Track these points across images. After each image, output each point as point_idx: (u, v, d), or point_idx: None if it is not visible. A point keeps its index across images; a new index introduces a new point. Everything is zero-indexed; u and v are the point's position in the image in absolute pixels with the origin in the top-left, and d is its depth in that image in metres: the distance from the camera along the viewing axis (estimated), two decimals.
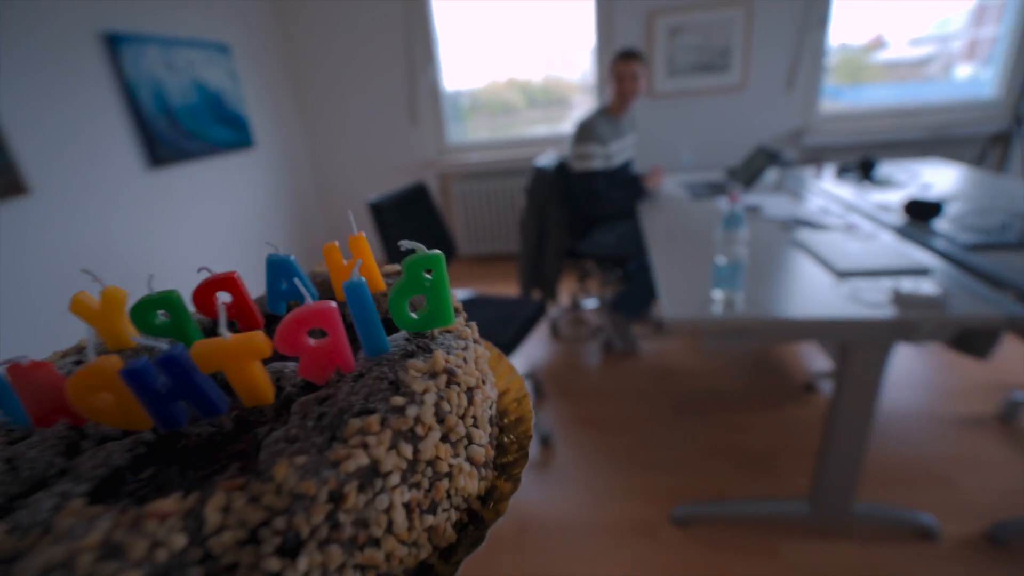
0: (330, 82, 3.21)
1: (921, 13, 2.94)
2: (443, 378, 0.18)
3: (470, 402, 0.19)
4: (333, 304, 0.18)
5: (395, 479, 0.16)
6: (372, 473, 0.15)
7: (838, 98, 3.08)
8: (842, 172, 2.24)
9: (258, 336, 0.17)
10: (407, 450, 0.16)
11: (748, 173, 2.18)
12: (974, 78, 3.00)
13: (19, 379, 0.16)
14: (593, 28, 2.99)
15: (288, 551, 0.14)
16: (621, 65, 2.02)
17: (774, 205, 1.87)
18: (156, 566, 0.12)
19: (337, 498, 0.15)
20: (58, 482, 0.16)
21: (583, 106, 3.24)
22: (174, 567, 0.13)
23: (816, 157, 3.01)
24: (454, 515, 0.18)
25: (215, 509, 0.13)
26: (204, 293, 0.23)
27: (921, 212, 1.55)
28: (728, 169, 2.49)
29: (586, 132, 2.04)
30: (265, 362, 0.19)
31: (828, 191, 2.01)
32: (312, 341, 0.18)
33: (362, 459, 0.15)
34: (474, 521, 0.19)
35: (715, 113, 3.04)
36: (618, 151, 2.14)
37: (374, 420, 0.16)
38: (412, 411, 0.17)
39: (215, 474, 0.16)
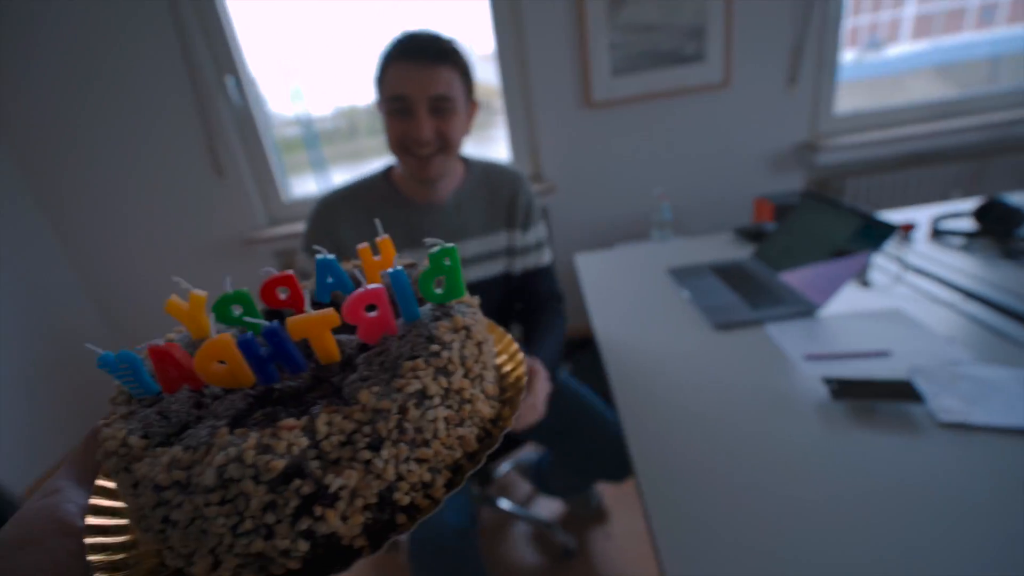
0: (75, 141, 1.91)
1: None
2: (463, 332, 0.25)
3: (480, 351, 0.26)
4: (382, 286, 0.24)
5: (437, 400, 0.22)
6: (422, 396, 0.22)
7: (855, 75, 2.13)
8: (941, 234, 1.26)
9: (331, 311, 0.23)
10: (444, 381, 0.23)
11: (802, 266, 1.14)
12: None
13: (156, 356, 0.23)
14: (489, 17, 1.87)
15: (373, 447, 0.20)
16: (400, 71, 0.86)
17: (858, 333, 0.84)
18: (292, 457, 0.19)
19: (403, 412, 0.21)
20: (200, 423, 0.22)
21: (490, 137, 2.13)
22: (301, 459, 0.19)
23: (830, 182, 2.06)
24: (475, 430, 0.24)
25: (323, 423, 0.20)
26: (269, 288, 0.30)
27: None
28: (740, 230, 1.45)
29: (309, 219, 1.03)
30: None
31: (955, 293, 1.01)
32: (367, 314, 0.24)
33: (416, 386, 0.21)
34: (488, 435, 0.25)
35: (683, 132, 2.01)
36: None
37: (420, 361, 0.22)
38: (445, 354, 0.23)
39: (308, 410, 0.22)
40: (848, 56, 2.03)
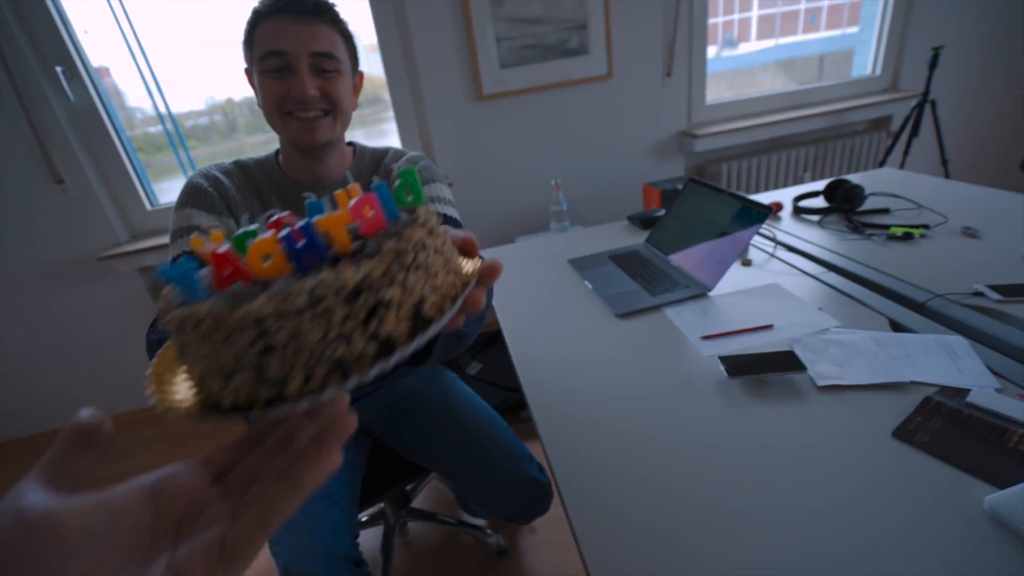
0: None
1: None
2: (434, 216, 0.32)
3: (445, 232, 0.33)
4: (376, 195, 0.30)
5: (432, 250, 0.29)
6: (422, 245, 0.28)
7: (716, 69, 2.32)
8: (800, 211, 1.41)
9: (343, 212, 0.29)
10: (431, 240, 0.29)
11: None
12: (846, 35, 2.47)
13: (216, 259, 0.27)
14: (368, 8, 1.77)
15: (406, 268, 0.27)
16: (277, 26, 0.77)
17: (748, 307, 0.93)
18: (356, 280, 0.24)
19: (418, 248, 0.28)
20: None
21: (381, 132, 2.03)
22: (362, 283, 0.25)
23: (705, 168, 2.24)
24: (458, 281, 0.31)
25: (366, 265, 0.25)
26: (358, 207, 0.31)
27: None
28: (632, 217, 1.52)
29: (184, 189, 0.87)
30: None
31: (826, 256, 1.14)
32: (367, 214, 0.30)
33: (417, 236, 0.28)
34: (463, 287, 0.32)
35: (573, 122, 2.07)
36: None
37: (414, 228, 0.29)
38: (427, 224, 0.30)
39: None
40: (711, 52, 2.20)
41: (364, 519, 1.42)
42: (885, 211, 1.33)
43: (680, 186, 1.79)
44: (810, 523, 0.56)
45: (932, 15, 2.25)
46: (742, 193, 1.16)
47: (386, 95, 1.92)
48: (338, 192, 0.34)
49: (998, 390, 0.70)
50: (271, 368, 0.24)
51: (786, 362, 0.79)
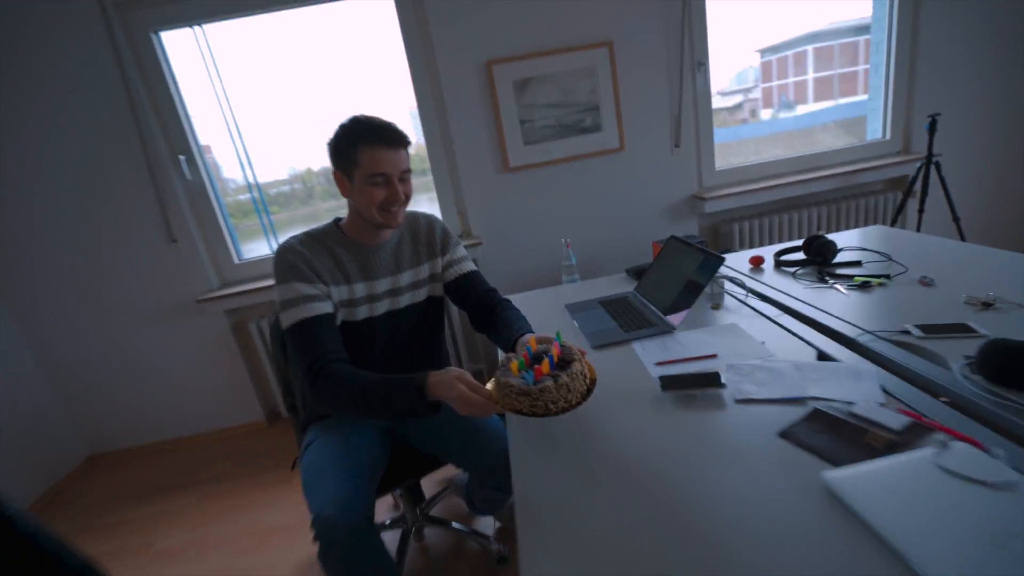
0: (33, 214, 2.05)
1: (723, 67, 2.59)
2: (578, 353, 0.96)
3: (581, 363, 0.93)
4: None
5: (577, 372, 0.90)
6: (577, 372, 0.90)
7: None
8: (781, 264, 1.57)
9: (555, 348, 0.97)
10: (577, 369, 0.90)
11: (666, 294, 1.41)
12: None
13: (537, 371, 0.92)
14: (410, 88, 2.18)
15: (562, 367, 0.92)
16: (380, 155, 1.10)
17: (730, 350, 1.10)
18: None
19: (575, 373, 0.89)
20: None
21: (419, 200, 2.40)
22: (576, 376, 0.91)
23: (719, 228, 2.42)
24: (584, 388, 0.91)
25: (565, 375, 0.89)
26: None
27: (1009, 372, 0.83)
28: (628, 269, 1.73)
29: (280, 264, 1.16)
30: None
31: (797, 306, 1.29)
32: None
33: (575, 368, 0.90)
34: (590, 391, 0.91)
35: (589, 188, 2.34)
36: (365, 295, 1.21)
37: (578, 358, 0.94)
38: (577, 366, 0.91)
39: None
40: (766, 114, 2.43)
41: (388, 522, 1.63)
42: (857, 263, 1.47)
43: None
44: (708, 501, 0.73)
45: (934, 82, 2.38)
46: (705, 247, 1.35)
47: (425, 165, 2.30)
48: (529, 337, 1.04)
49: (881, 404, 0.84)
50: (542, 403, 0.86)
51: (709, 380, 0.96)
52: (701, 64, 2.28)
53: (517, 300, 1.69)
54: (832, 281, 1.38)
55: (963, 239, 2.27)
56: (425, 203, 2.40)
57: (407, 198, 1.17)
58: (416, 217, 1.32)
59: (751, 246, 2.43)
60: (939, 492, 0.64)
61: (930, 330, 1.04)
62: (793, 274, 1.49)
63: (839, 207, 2.45)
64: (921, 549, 0.56)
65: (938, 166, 2.18)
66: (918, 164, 2.24)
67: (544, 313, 1.52)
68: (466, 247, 2.20)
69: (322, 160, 2.37)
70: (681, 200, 2.41)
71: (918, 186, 2.25)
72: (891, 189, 2.52)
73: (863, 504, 0.64)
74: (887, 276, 1.34)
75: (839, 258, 1.50)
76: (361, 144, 1.10)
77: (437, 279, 1.31)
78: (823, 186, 2.41)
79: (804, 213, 2.43)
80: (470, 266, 1.34)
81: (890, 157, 2.49)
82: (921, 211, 2.27)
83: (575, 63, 2.17)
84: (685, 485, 0.75)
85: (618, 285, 1.66)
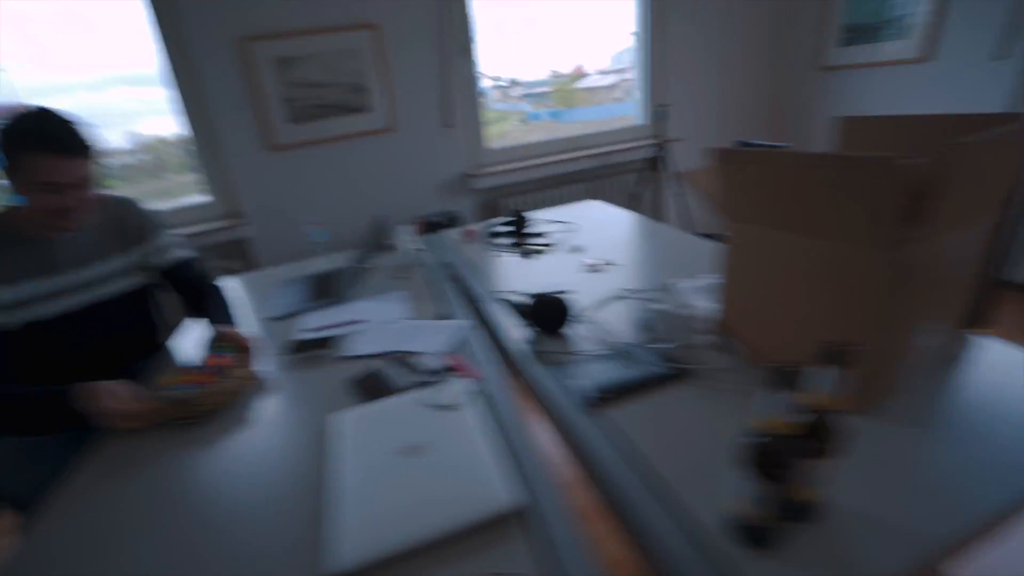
0: None
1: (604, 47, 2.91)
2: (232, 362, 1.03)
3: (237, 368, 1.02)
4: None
5: (226, 381, 0.98)
6: (227, 380, 0.98)
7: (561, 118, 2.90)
8: (491, 236, 1.79)
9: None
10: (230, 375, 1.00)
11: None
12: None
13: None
14: (162, 56, 2.10)
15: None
16: (49, 163, 1.01)
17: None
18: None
19: (222, 382, 0.97)
20: None
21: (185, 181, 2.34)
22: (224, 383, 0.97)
23: (493, 202, 2.64)
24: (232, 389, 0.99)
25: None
26: None
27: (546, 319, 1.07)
28: (362, 245, 1.86)
29: None
30: None
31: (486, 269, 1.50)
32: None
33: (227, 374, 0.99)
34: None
35: (363, 167, 2.43)
36: (48, 292, 1.12)
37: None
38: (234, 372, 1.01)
39: None
40: None
41: None
42: (539, 235, 1.72)
43: (442, 219, 2.18)
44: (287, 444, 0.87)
45: (678, 77, 2.76)
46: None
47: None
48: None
49: (434, 354, 1.05)
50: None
51: (322, 343, 1.12)
52: (467, 47, 2.43)
53: (255, 276, 1.75)
54: (514, 250, 1.61)
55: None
56: (190, 180, 2.35)
57: (84, 203, 1.09)
58: (111, 199, 1.26)
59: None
60: (408, 419, 0.84)
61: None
62: (500, 246, 1.70)
63: (602, 184, 2.77)
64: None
65: (665, 148, 2.55)
66: (653, 147, 2.60)
67: (263, 290, 1.61)
68: (234, 226, 2.22)
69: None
70: (454, 178, 2.58)
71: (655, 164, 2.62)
72: (646, 168, 2.89)
73: (335, 440, 0.82)
74: (547, 245, 1.60)
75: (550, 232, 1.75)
76: (26, 150, 1.00)
77: (142, 267, 1.27)
78: (583, 165, 2.71)
79: (570, 189, 2.72)
80: (179, 253, 1.32)
81: (638, 140, 2.86)
82: (657, 187, 2.65)
83: (340, 44, 2.22)
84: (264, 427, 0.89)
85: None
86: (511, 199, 2.64)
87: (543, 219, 1.88)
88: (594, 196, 2.72)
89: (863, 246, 0.63)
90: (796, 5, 2.83)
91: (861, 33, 2.58)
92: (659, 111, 2.55)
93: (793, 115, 3.04)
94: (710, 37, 2.80)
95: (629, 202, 2.81)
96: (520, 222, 1.75)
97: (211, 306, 1.27)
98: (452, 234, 1.90)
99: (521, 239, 1.72)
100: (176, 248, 1.33)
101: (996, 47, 2.09)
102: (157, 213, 1.32)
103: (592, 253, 1.50)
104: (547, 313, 1.05)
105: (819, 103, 2.88)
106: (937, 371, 0.79)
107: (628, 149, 2.77)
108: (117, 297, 1.22)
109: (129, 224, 1.26)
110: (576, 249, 1.55)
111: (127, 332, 1.26)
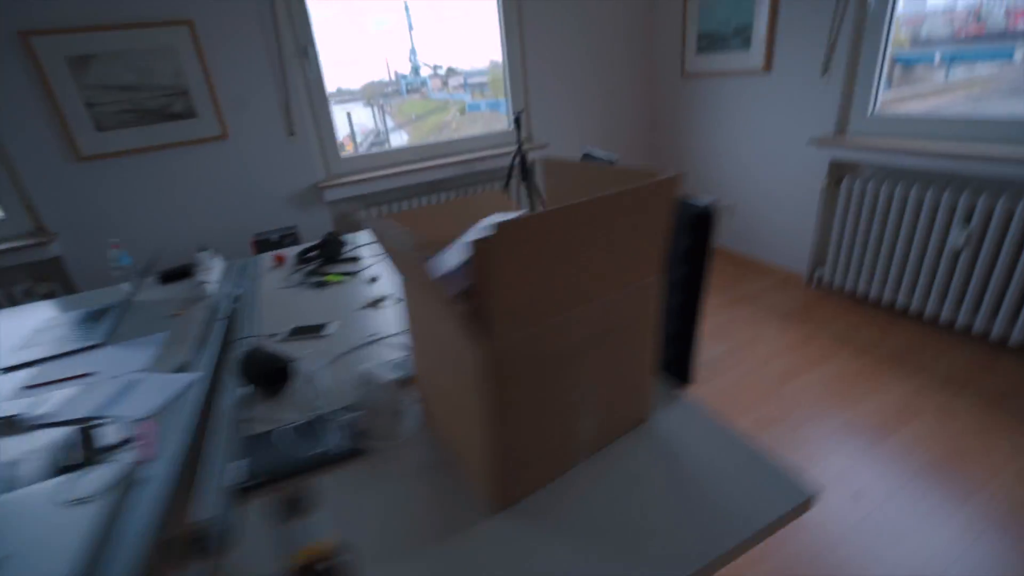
0: None
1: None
2: None
3: None
4: None
5: None
6: None
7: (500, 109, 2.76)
8: (304, 260, 1.66)
9: None
10: None
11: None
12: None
13: None
14: None
15: None
16: None
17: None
18: None
19: None
20: None
21: None
22: None
23: (353, 213, 2.50)
24: None
25: None
26: None
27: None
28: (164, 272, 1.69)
29: None
30: None
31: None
32: None
33: None
34: None
35: (191, 179, 2.23)
36: None
37: None
38: None
39: None
40: None
41: None
42: (355, 260, 1.61)
43: (277, 236, 2.03)
44: None
45: (532, 81, 2.71)
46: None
47: None
48: None
49: (127, 421, 0.92)
50: None
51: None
52: (306, 49, 2.26)
53: (67, 301, 1.55)
54: (311, 280, 1.49)
55: None
56: None
57: None
58: None
59: None
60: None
61: (297, 332, 1.18)
62: (303, 270, 1.58)
63: (470, 191, 2.69)
64: None
65: (524, 155, 2.50)
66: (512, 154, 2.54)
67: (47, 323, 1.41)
68: (39, 244, 1.97)
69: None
70: (305, 189, 2.42)
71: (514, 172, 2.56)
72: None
73: None
74: (348, 274, 1.49)
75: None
76: None
77: None
78: (447, 172, 2.61)
79: (438, 197, 2.62)
80: None
81: (506, 147, 2.79)
82: (519, 193, 2.59)
83: (150, 41, 2.00)
84: None
85: (148, 287, 1.61)
86: (375, 208, 2.51)
87: (366, 241, 1.77)
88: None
89: (465, 336, 0.57)
90: (662, 11, 2.84)
91: (713, 42, 2.61)
92: (517, 117, 2.49)
93: (664, 119, 3.07)
94: (574, 39, 2.76)
95: None
96: (334, 245, 1.63)
97: None
98: (266, 258, 1.75)
99: (330, 265, 1.60)
100: None
101: (823, 62, 2.16)
102: None
103: (385, 285, 1.41)
104: (260, 371, 0.94)
105: (684, 108, 2.91)
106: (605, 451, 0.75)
107: (495, 156, 2.70)
108: None
109: None
110: (374, 279, 1.46)
111: None
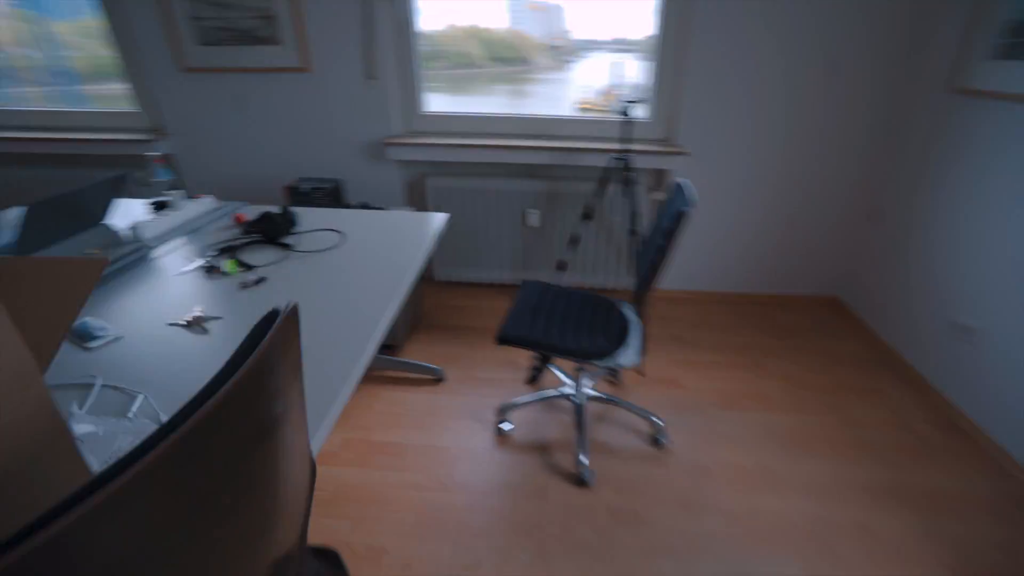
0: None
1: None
2: None
3: None
4: None
5: None
6: None
7: None
8: (248, 231, 1.43)
9: None
10: None
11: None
12: None
13: None
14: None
15: None
16: None
17: None
18: None
19: None
20: None
21: (547, 71, 2.30)
22: None
23: (419, 180, 2.22)
24: None
25: None
26: None
27: None
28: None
29: None
30: None
31: None
32: None
33: None
34: None
35: (280, 105, 2.16)
36: None
37: None
38: None
39: None
40: None
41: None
42: (287, 247, 1.33)
43: (309, 188, 1.88)
44: None
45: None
46: None
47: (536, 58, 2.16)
48: None
49: None
50: None
51: None
52: None
53: None
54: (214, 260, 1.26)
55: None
56: (122, 96, 2.32)
57: None
58: None
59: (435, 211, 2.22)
60: None
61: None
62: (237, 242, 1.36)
63: (555, 187, 2.15)
64: None
65: (628, 160, 1.84)
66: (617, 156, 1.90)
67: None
68: (156, 140, 2.19)
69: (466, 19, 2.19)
70: (375, 141, 2.20)
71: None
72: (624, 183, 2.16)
73: None
74: (247, 266, 1.22)
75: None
76: None
77: None
78: (537, 158, 2.10)
79: (517, 185, 2.16)
80: None
81: (649, 144, 2.12)
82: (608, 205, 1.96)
83: None
84: None
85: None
86: (437, 180, 2.19)
87: (323, 221, 1.47)
88: (547, 203, 2.15)
89: None
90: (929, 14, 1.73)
91: None
92: (626, 107, 1.81)
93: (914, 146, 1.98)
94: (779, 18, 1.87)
95: (582, 220, 2.18)
96: (276, 223, 1.37)
97: None
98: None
99: (269, 242, 1.35)
100: None
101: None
102: None
103: (267, 293, 1.09)
104: None
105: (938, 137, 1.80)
106: None
107: (599, 151, 2.07)
108: None
109: None
110: (260, 280, 1.15)
111: None
